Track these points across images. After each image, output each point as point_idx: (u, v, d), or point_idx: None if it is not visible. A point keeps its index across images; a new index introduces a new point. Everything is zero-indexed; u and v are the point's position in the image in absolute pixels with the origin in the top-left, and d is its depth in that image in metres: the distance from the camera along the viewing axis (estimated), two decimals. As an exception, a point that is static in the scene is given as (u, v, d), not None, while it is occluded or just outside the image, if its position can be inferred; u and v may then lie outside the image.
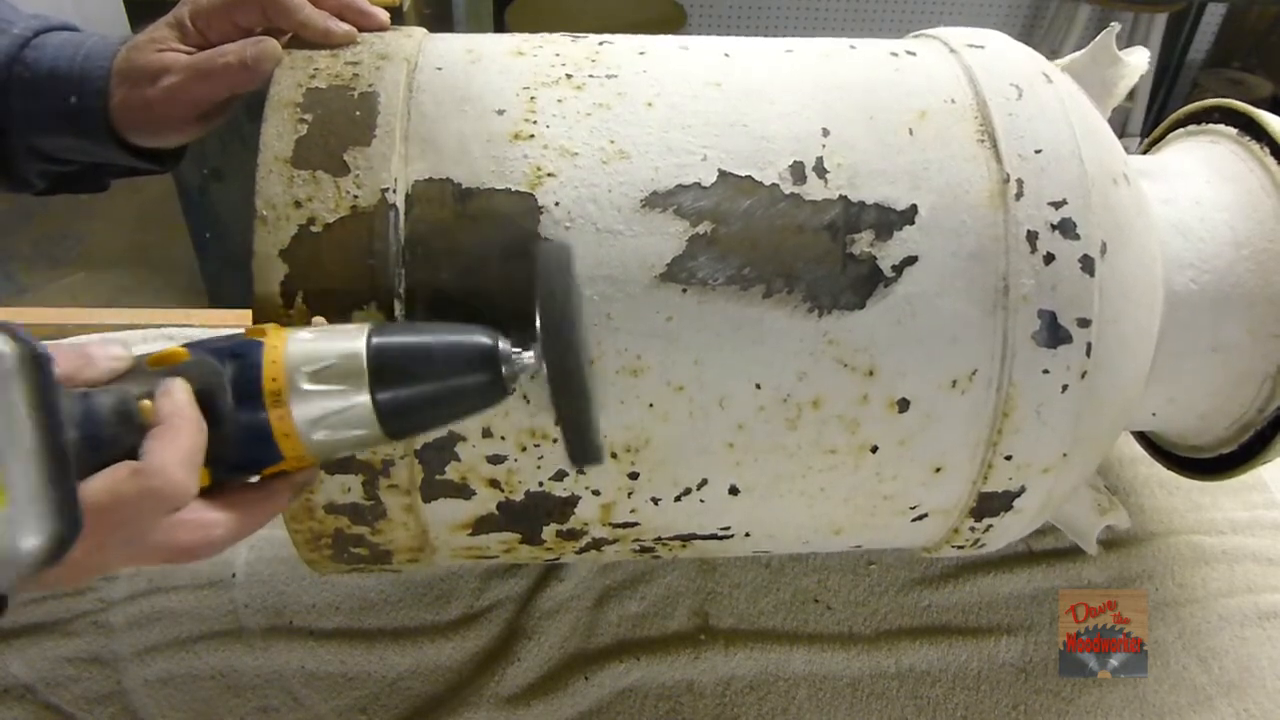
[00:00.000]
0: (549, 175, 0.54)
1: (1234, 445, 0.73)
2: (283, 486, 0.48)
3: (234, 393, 0.44)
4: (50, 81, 0.59)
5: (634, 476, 0.57)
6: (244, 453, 0.46)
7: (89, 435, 0.41)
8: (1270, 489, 0.91)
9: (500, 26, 2.41)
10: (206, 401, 0.44)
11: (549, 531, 0.60)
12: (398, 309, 0.52)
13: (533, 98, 0.56)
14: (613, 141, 0.55)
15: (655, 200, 0.54)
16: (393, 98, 0.55)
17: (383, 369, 0.45)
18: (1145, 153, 0.80)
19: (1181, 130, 0.77)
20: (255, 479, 0.48)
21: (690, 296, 0.54)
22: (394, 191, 0.52)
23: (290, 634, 0.75)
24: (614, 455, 0.56)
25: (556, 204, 0.53)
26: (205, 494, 0.45)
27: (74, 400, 0.40)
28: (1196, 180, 0.71)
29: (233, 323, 1.00)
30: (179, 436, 0.42)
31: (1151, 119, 2.76)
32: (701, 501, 0.59)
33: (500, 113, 0.56)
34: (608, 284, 0.53)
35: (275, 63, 0.56)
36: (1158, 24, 2.60)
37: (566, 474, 0.57)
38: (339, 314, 0.51)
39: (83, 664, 0.73)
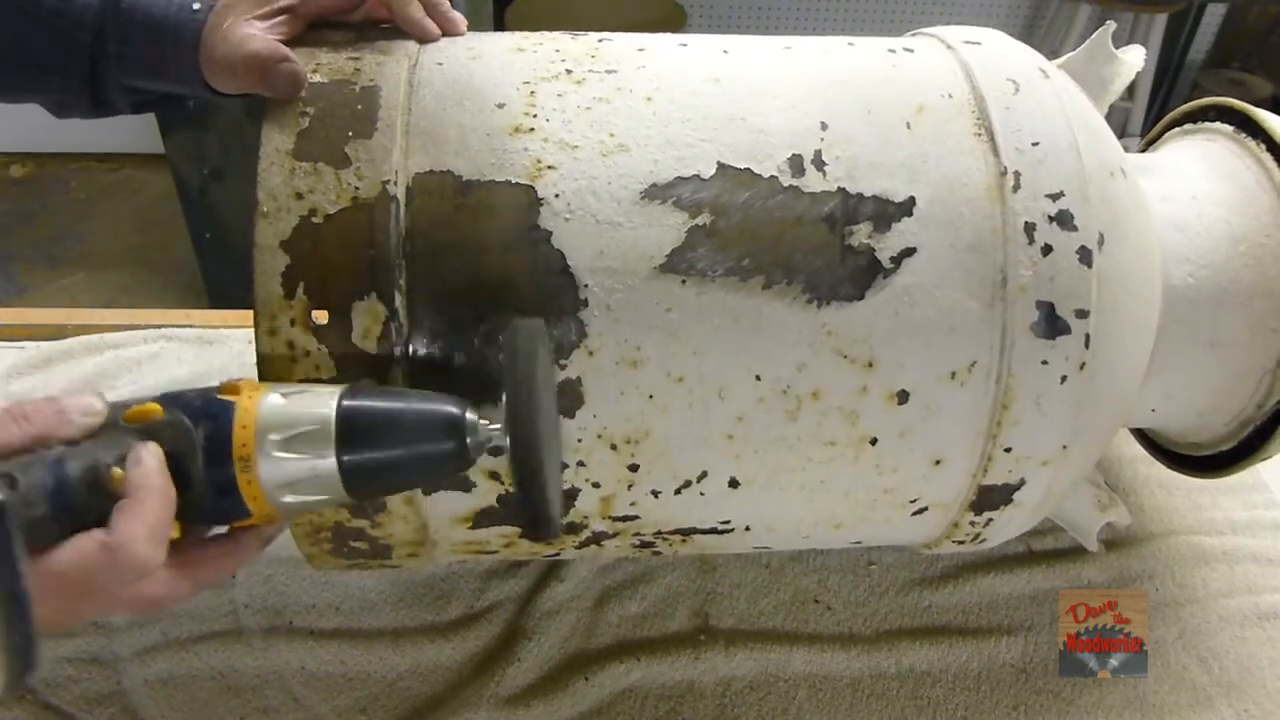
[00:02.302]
0: (549, 168, 0.54)
1: (1233, 441, 0.73)
2: (250, 539, 0.50)
3: (204, 455, 0.46)
4: (145, 31, 0.60)
5: (634, 469, 0.57)
6: (213, 510, 0.47)
7: (61, 507, 0.42)
8: (1270, 489, 0.91)
9: (500, 26, 2.42)
10: (177, 464, 0.45)
11: (549, 525, 0.60)
12: (398, 300, 0.52)
13: (533, 92, 0.57)
14: (612, 135, 0.55)
15: (655, 192, 0.54)
16: (394, 92, 0.56)
17: (350, 434, 0.47)
18: (1143, 151, 0.80)
19: (1178, 129, 0.78)
20: (224, 529, 0.50)
21: (689, 288, 0.54)
22: (395, 183, 0.53)
23: (290, 634, 0.75)
24: (614, 447, 0.56)
25: (556, 196, 0.54)
26: (174, 546, 0.46)
27: (46, 469, 0.42)
28: (1193, 177, 0.71)
29: (233, 322, 1.01)
30: (146, 511, 0.43)
31: (1152, 119, 2.75)
32: (701, 494, 0.59)
33: (501, 107, 0.56)
34: (607, 275, 0.53)
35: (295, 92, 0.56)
36: (1158, 24, 2.59)
37: (566, 465, 0.57)
38: (340, 304, 0.51)
39: (83, 664, 0.73)
